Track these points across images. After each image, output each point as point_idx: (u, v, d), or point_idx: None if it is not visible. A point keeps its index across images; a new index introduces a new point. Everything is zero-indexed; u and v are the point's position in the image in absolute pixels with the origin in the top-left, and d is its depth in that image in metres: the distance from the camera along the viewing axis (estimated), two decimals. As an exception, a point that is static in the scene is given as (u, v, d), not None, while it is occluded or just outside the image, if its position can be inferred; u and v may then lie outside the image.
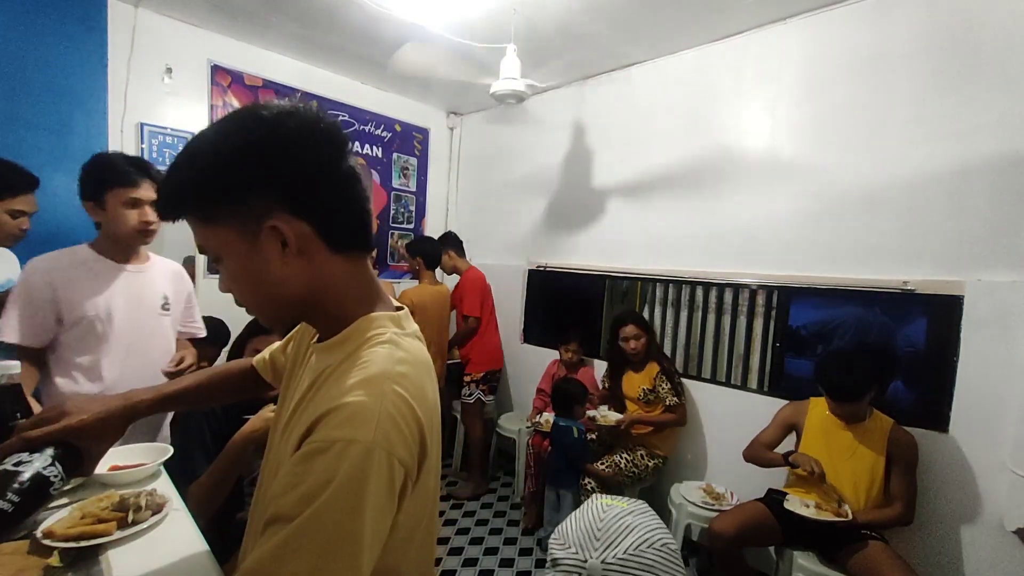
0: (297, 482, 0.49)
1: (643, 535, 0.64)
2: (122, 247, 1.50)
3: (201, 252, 0.56)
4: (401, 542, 0.57)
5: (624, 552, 0.62)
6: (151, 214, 1.46)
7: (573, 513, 0.73)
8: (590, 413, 2.45)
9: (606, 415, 2.44)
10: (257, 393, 0.98)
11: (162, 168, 2.63)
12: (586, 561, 0.63)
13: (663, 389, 2.37)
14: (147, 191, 1.46)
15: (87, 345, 1.43)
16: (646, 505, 0.70)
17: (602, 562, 0.62)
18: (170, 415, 1.59)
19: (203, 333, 1.80)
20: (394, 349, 0.60)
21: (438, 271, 3.16)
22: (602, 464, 2.33)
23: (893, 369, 1.99)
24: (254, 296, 0.62)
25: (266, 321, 0.67)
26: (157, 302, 1.58)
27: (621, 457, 2.34)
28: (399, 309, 0.69)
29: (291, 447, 0.55)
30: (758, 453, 2.01)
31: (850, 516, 1.68)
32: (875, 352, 2.01)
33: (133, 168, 1.44)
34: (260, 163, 0.55)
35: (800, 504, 1.78)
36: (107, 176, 1.42)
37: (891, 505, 1.77)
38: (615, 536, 0.64)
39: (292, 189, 0.56)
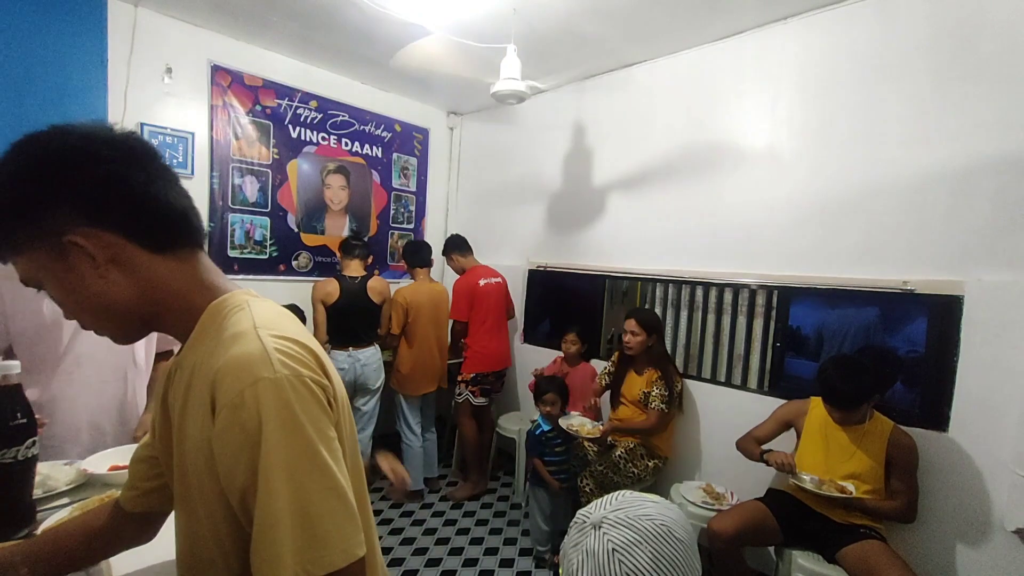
0: (235, 447, 0.51)
1: (651, 513, 0.68)
2: None
3: (26, 284, 0.54)
4: None
5: (625, 515, 0.68)
6: None
7: None
8: (563, 421, 2.42)
9: (582, 424, 2.40)
10: (143, 537, 0.80)
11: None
12: (592, 514, 0.70)
13: (653, 394, 2.36)
14: None
15: (34, 358, 1.30)
16: (677, 507, 0.73)
17: (603, 516, 0.69)
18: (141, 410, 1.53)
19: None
20: (251, 309, 0.60)
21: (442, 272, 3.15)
22: (600, 465, 2.32)
23: (894, 375, 1.99)
24: (88, 315, 0.61)
25: (115, 337, 0.64)
26: None
27: (620, 457, 2.34)
28: None
29: (199, 427, 0.55)
30: (747, 445, 2.04)
31: (852, 492, 1.70)
32: (876, 359, 2.01)
33: None
34: (43, 181, 0.55)
35: (805, 477, 1.80)
36: None
37: (893, 499, 1.77)
38: (627, 506, 0.70)
39: (83, 201, 0.56)
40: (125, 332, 0.64)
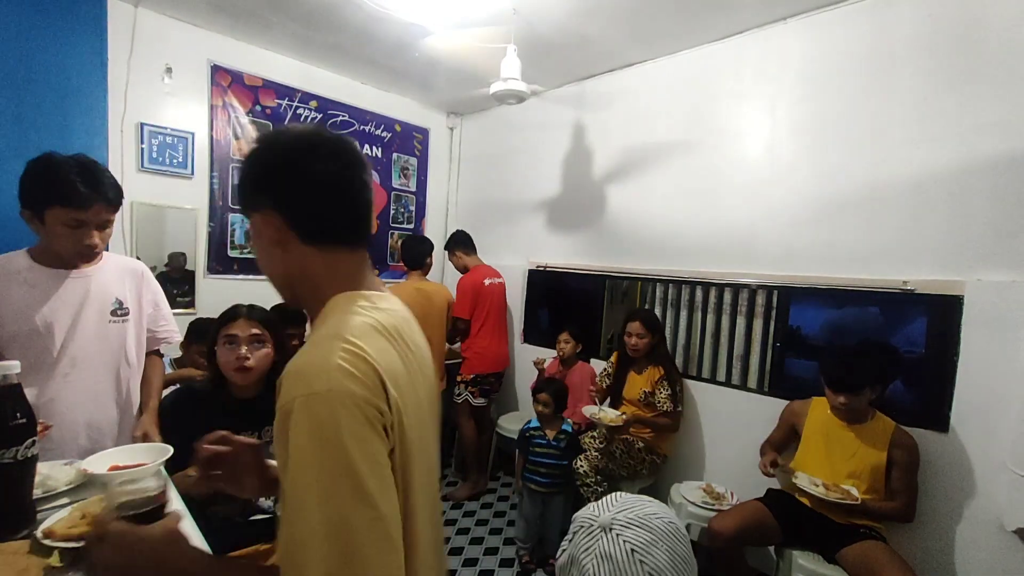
0: (280, 452, 0.54)
1: (656, 511, 0.69)
2: (63, 256, 1.35)
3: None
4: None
5: (634, 515, 0.68)
6: (96, 237, 1.31)
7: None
8: (588, 410, 2.44)
9: (604, 412, 2.41)
10: None
11: (161, 167, 2.64)
12: (599, 516, 0.70)
13: (660, 395, 2.36)
14: (96, 213, 1.28)
15: (28, 361, 1.26)
16: (674, 512, 0.74)
17: (612, 518, 0.68)
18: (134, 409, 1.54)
19: (178, 337, 1.67)
20: (349, 315, 0.64)
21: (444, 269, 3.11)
22: (596, 451, 2.32)
23: (895, 369, 1.99)
24: (265, 272, 0.74)
25: (283, 298, 0.75)
26: (107, 308, 1.43)
27: (617, 448, 2.34)
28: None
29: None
30: (765, 452, 2.04)
31: (858, 500, 1.70)
32: (878, 349, 2.01)
33: (85, 186, 1.25)
34: (254, 168, 0.71)
35: (809, 483, 1.80)
36: (51, 191, 1.24)
37: (892, 500, 1.77)
38: (631, 506, 0.70)
39: (272, 187, 0.68)
40: (286, 297, 0.75)
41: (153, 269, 2.64)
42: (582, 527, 0.70)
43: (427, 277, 3.07)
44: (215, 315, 2.43)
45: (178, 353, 2.18)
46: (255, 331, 1.43)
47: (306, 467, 0.50)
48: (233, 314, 1.45)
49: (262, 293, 3.10)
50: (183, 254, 2.77)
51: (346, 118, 3.41)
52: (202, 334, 2.18)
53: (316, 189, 0.68)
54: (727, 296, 2.48)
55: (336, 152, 0.69)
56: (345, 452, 0.51)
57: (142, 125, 2.56)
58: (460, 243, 3.16)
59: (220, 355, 1.40)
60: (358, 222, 0.72)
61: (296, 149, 0.68)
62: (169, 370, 2.11)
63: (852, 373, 1.77)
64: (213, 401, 1.42)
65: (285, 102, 3.11)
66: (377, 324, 0.65)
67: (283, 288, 0.73)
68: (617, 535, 0.66)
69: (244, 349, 1.39)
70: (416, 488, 0.62)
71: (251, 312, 1.46)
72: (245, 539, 1.37)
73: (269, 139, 0.72)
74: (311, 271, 0.70)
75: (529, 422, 2.44)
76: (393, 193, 3.77)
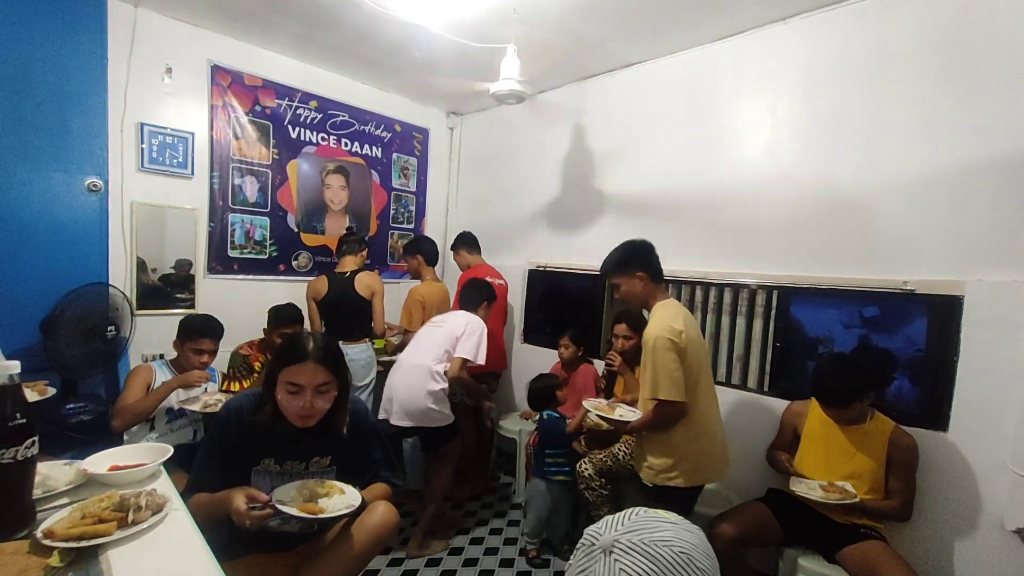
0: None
1: (668, 538, 0.61)
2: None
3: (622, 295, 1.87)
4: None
5: (640, 540, 0.60)
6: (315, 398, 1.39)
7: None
8: (588, 403, 2.44)
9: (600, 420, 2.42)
10: None
11: (161, 167, 2.63)
12: (602, 535, 0.63)
13: None
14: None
15: None
16: (699, 530, 0.66)
17: (614, 540, 0.61)
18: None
19: None
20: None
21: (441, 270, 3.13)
22: (601, 455, 2.32)
23: (890, 375, 1.99)
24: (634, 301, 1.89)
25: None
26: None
27: (619, 449, 2.34)
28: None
29: None
30: (772, 456, 2.05)
31: (857, 498, 1.71)
32: (871, 358, 2.01)
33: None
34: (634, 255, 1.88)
35: (806, 488, 1.80)
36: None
37: (890, 499, 1.77)
38: (641, 528, 0.63)
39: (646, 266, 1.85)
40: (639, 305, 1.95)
41: (154, 272, 2.66)
42: (584, 544, 0.65)
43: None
44: (210, 311, 2.43)
45: (174, 353, 2.16)
46: (322, 381, 1.28)
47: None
48: (299, 354, 1.28)
49: (261, 293, 3.12)
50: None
51: (346, 118, 3.41)
52: (192, 331, 2.15)
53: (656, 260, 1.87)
54: (727, 296, 2.48)
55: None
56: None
57: (142, 125, 2.56)
58: (465, 243, 3.23)
59: (281, 400, 1.28)
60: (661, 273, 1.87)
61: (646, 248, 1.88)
62: (165, 370, 2.10)
63: (841, 385, 1.76)
64: (266, 425, 1.33)
65: (285, 102, 3.11)
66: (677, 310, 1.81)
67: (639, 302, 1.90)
68: (615, 560, 0.60)
69: (309, 399, 1.26)
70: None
71: (320, 356, 1.29)
72: (271, 545, 1.35)
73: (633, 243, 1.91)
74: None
75: (542, 416, 2.40)
76: (393, 193, 3.77)
